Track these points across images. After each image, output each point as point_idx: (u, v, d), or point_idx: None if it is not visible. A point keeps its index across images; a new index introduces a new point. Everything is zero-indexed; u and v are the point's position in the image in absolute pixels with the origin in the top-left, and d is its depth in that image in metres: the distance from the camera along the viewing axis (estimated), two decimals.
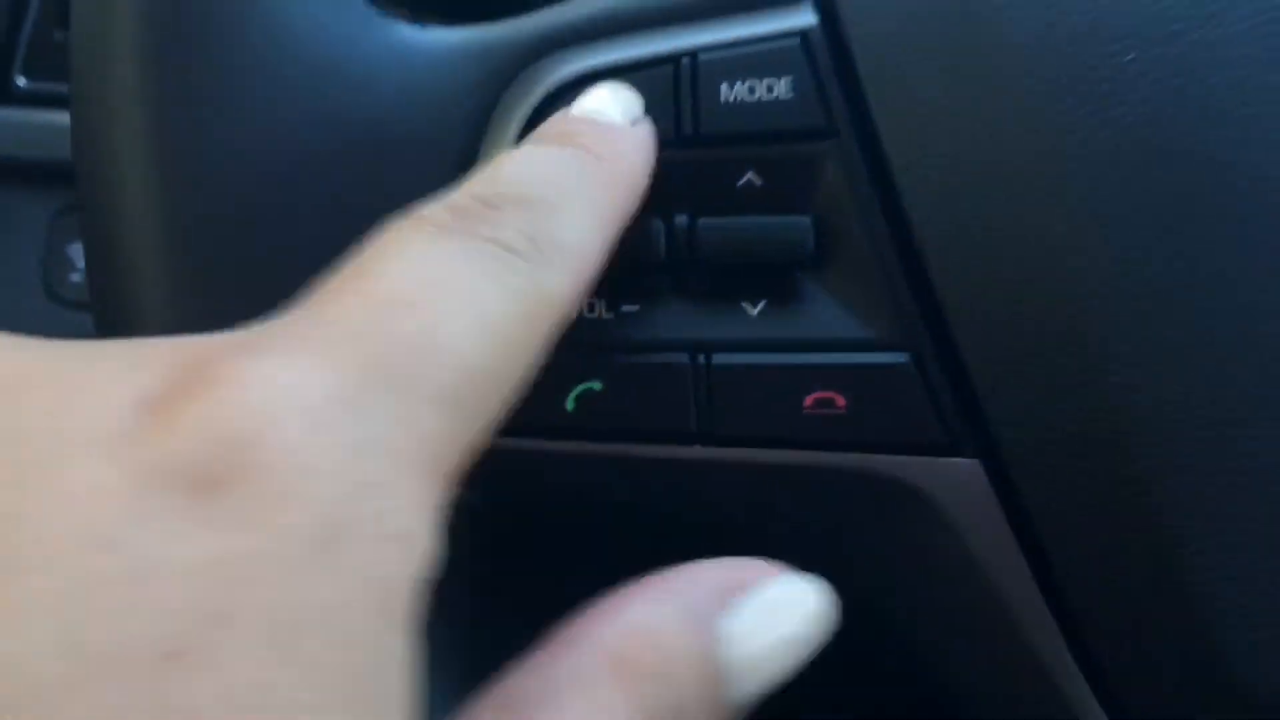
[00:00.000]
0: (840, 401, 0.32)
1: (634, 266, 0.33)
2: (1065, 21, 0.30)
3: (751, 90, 0.32)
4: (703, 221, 0.33)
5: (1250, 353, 0.30)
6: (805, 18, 0.33)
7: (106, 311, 0.35)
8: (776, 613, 0.26)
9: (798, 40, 0.32)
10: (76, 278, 0.62)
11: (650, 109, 0.33)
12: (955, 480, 0.32)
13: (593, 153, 0.30)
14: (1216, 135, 0.29)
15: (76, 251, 0.62)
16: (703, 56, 0.33)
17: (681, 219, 0.33)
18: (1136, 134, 0.29)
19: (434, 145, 0.34)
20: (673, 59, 0.33)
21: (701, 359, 0.33)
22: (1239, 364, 0.30)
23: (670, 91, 0.33)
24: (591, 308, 0.34)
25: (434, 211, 0.26)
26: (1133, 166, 0.30)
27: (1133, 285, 0.30)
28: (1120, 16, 0.30)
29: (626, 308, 0.34)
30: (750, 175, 0.33)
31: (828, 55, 0.32)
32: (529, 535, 0.39)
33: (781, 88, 0.32)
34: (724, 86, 0.32)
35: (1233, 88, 0.29)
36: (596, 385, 0.33)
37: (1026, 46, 0.30)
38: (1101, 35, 0.30)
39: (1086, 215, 0.30)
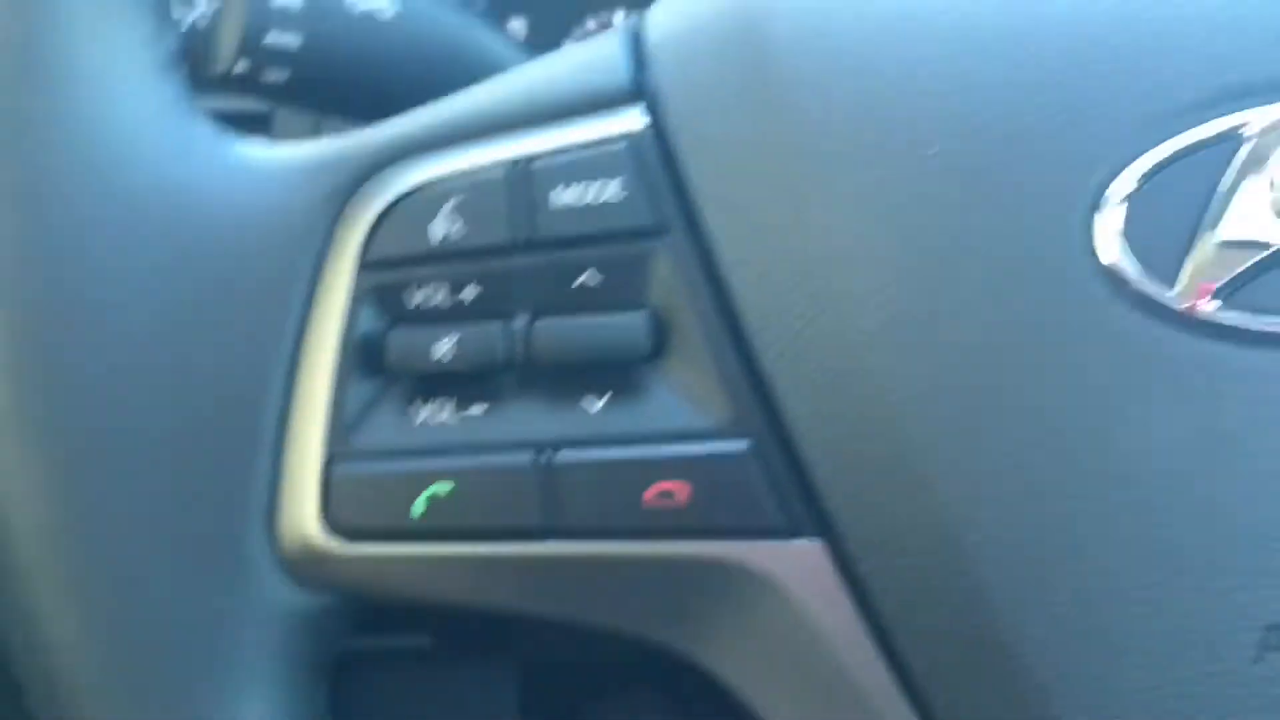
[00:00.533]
0: (682, 491, 0.33)
1: (478, 370, 0.34)
2: (876, 117, 0.32)
3: (584, 194, 0.34)
4: (540, 323, 0.34)
5: (1059, 441, 0.31)
6: (634, 121, 0.34)
7: None
8: None
9: (627, 143, 0.34)
10: None
11: (487, 216, 0.34)
12: (799, 562, 0.33)
13: None
14: (1022, 228, 0.31)
15: None
16: (536, 163, 0.34)
17: (520, 321, 0.34)
18: (945, 229, 0.32)
19: (281, 264, 0.34)
20: (507, 166, 0.34)
21: (545, 457, 0.33)
22: (1052, 455, 0.31)
23: (506, 198, 0.34)
24: (439, 410, 0.34)
25: None
26: (945, 263, 0.32)
27: (948, 376, 0.32)
28: (927, 113, 0.32)
29: (473, 410, 0.34)
30: (587, 275, 0.34)
31: (657, 156, 0.34)
32: (387, 637, 0.38)
33: (613, 189, 0.34)
34: (557, 191, 0.34)
35: (1036, 180, 0.32)
36: (444, 488, 0.34)
37: (841, 147, 0.32)
38: (910, 132, 0.32)
39: (903, 307, 0.32)
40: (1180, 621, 0.31)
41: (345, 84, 0.50)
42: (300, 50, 0.49)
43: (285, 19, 0.48)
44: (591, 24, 0.86)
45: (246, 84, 0.49)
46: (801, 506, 0.33)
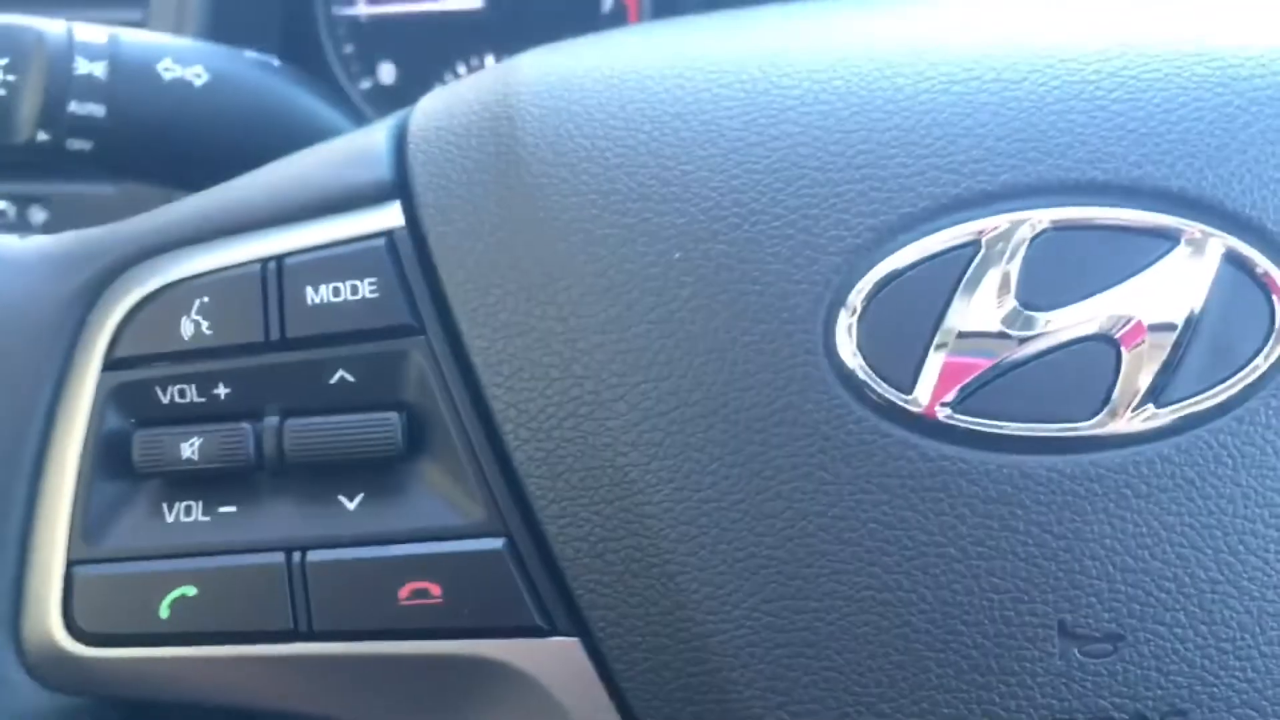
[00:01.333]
0: (436, 590, 0.33)
1: (228, 470, 0.33)
2: (621, 221, 0.33)
3: (337, 291, 0.34)
4: (291, 422, 0.33)
5: (802, 539, 0.32)
6: (391, 219, 0.34)
7: None
8: None
9: (383, 241, 0.34)
10: None
11: (238, 314, 0.33)
12: (556, 659, 0.33)
13: None
14: (764, 331, 0.32)
15: None
16: (288, 260, 0.34)
17: (272, 420, 0.33)
18: (690, 330, 0.32)
19: (28, 360, 0.34)
20: (261, 263, 0.34)
21: (297, 558, 0.33)
22: (796, 552, 0.32)
23: (258, 296, 0.34)
24: (188, 511, 0.34)
25: None
26: (691, 363, 0.32)
27: (694, 475, 0.32)
28: (670, 216, 0.33)
29: (223, 510, 0.34)
30: (341, 373, 0.34)
31: (412, 253, 0.34)
32: None
33: (366, 288, 0.34)
34: (310, 289, 0.33)
35: (775, 284, 0.32)
36: (191, 590, 0.33)
37: (588, 249, 0.33)
38: (655, 235, 0.32)
39: (649, 406, 0.32)
40: (918, 718, 0.32)
41: (154, 152, 0.50)
42: (106, 119, 0.48)
43: (89, 88, 0.48)
44: (461, 69, 0.86)
45: (49, 153, 0.48)
46: (556, 604, 0.33)
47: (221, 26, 0.74)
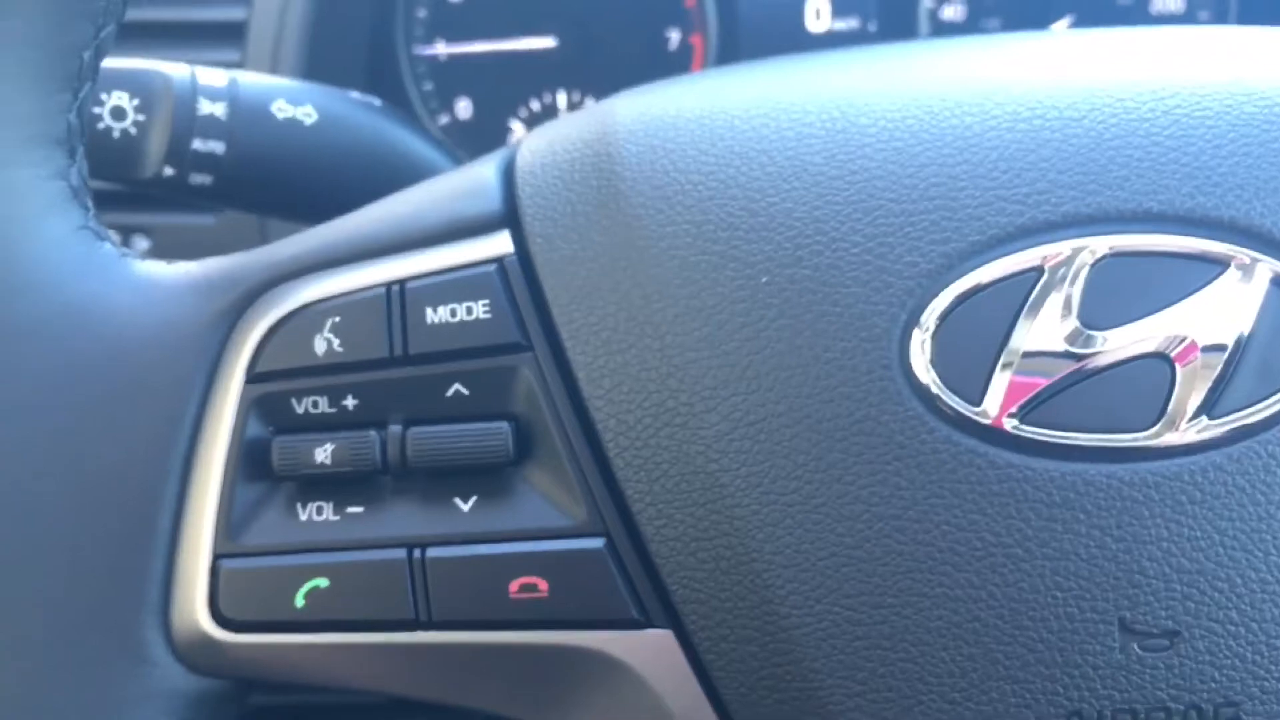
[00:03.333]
0: (543, 585, 0.36)
1: (356, 473, 0.37)
2: (713, 247, 0.36)
3: (454, 312, 0.37)
4: (413, 430, 0.37)
5: (881, 539, 0.34)
6: (501, 246, 0.38)
7: None
8: None
9: (494, 267, 0.37)
10: None
11: (366, 333, 0.37)
12: (651, 650, 0.36)
13: None
14: (843, 347, 0.35)
15: None
16: (410, 284, 0.37)
17: (395, 429, 0.37)
18: (776, 347, 0.35)
19: (176, 376, 0.37)
20: (385, 287, 0.37)
21: (417, 554, 0.36)
22: (875, 551, 0.34)
23: (383, 316, 0.37)
24: (319, 510, 0.37)
25: None
26: (777, 377, 0.35)
27: (781, 480, 0.35)
28: (758, 243, 0.36)
29: (351, 510, 0.37)
30: (457, 386, 0.37)
31: (521, 278, 0.37)
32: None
33: (480, 309, 0.37)
34: (429, 310, 0.37)
35: (854, 306, 0.35)
36: (324, 582, 0.36)
37: (682, 273, 0.36)
38: (744, 260, 0.36)
39: (739, 417, 0.35)
40: (990, 706, 0.34)
41: (268, 186, 0.54)
42: (225, 155, 0.52)
43: (211, 127, 0.52)
44: (535, 105, 0.90)
45: (173, 186, 0.52)
46: (652, 599, 0.36)
47: (314, 66, 0.78)
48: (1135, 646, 0.34)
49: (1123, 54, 0.39)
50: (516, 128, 0.90)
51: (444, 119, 0.91)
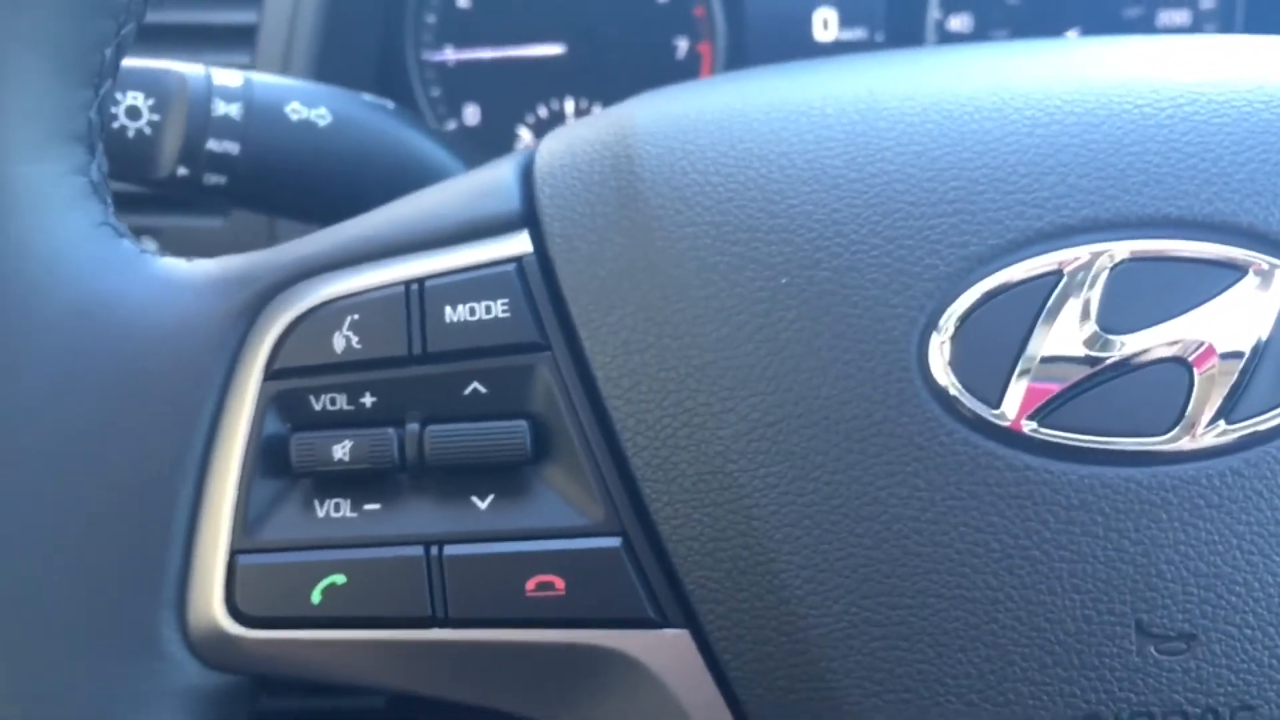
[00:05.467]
0: (559, 584, 0.36)
1: (374, 470, 0.37)
2: (733, 249, 0.36)
3: (472, 311, 0.37)
4: (431, 428, 0.37)
5: (898, 540, 0.35)
6: (520, 246, 0.38)
7: None
8: None
9: (513, 266, 0.37)
10: None
11: (384, 331, 0.37)
12: (668, 649, 0.36)
13: None
14: (862, 349, 0.35)
15: None
16: (429, 283, 0.37)
17: (413, 427, 0.37)
18: (795, 349, 0.35)
19: (194, 372, 0.37)
20: (404, 285, 0.37)
21: (434, 551, 0.36)
22: (892, 552, 0.35)
23: (402, 314, 0.37)
24: (337, 507, 0.37)
25: None
26: (796, 379, 0.35)
27: (798, 481, 0.35)
28: (778, 245, 0.36)
29: (368, 507, 0.37)
30: (475, 385, 0.37)
31: (540, 278, 0.37)
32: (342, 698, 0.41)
33: (499, 308, 0.37)
34: (448, 308, 0.37)
35: (872, 309, 0.35)
36: (341, 579, 0.37)
37: (701, 274, 0.36)
38: (763, 262, 0.36)
39: (758, 418, 0.35)
40: (1007, 707, 0.34)
41: (282, 186, 0.54)
42: (239, 156, 0.52)
43: (226, 127, 0.52)
44: (542, 112, 0.90)
45: (187, 186, 0.53)
46: (669, 598, 0.36)
47: (324, 70, 0.78)
48: (1152, 649, 0.34)
49: (1141, 60, 0.39)
50: (524, 134, 0.90)
51: (452, 124, 0.91)
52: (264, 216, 0.78)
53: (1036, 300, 0.35)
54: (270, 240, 0.80)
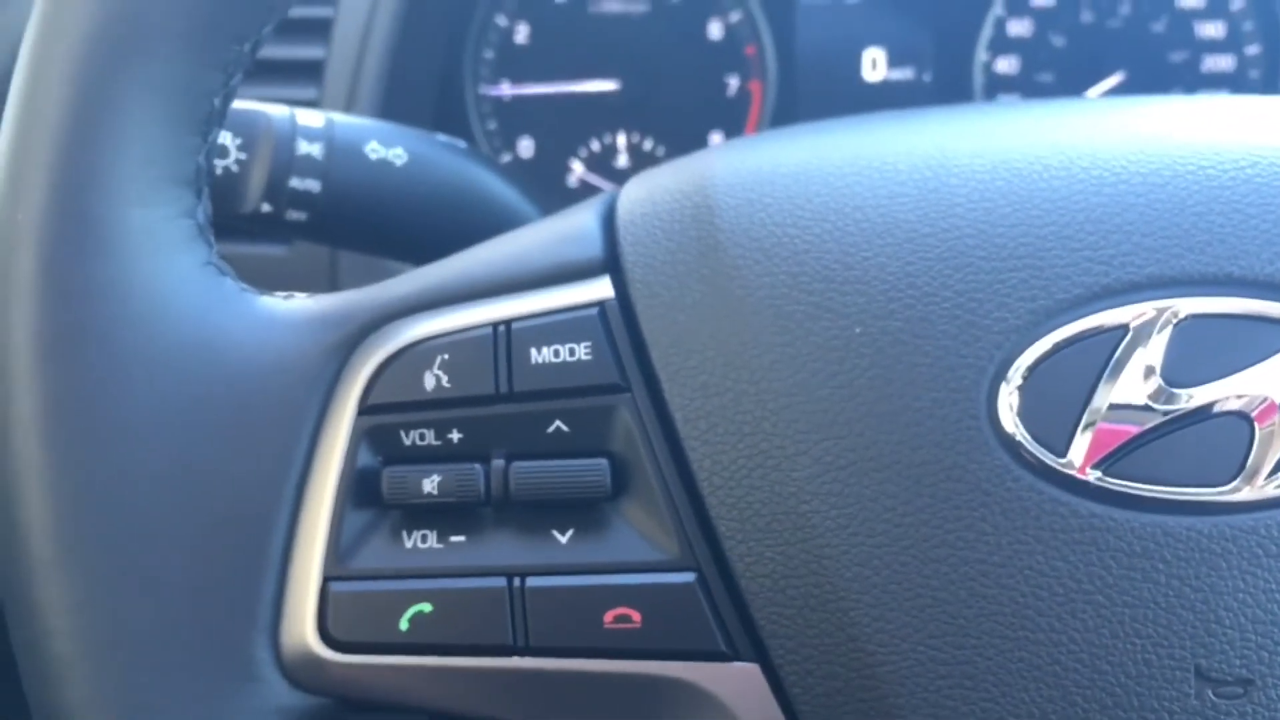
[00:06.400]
0: (636, 616, 0.38)
1: (460, 504, 0.38)
2: (809, 298, 0.37)
3: (557, 353, 0.39)
4: (515, 464, 0.38)
5: (966, 582, 0.36)
6: (602, 290, 0.40)
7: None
8: None
9: (596, 310, 0.39)
10: None
11: (473, 370, 0.39)
12: (739, 682, 0.38)
13: None
14: (933, 398, 0.36)
15: None
16: (515, 325, 0.39)
17: (499, 463, 0.39)
18: (868, 395, 0.36)
19: (291, 406, 0.39)
20: (491, 326, 0.39)
21: (517, 583, 0.38)
22: (960, 594, 0.36)
23: (490, 354, 0.39)
24: (424, 539, 0.39)
25: None
26: (868, 424, 0.36)
27: (869, 522, 0.36)
28: (853, 295, 0.37)
29: (454, 539, 0.39)
30: (558, 424, 0.39)
31: (621, 323, 0.39)
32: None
33: (582, 350, 0.39)
34: (534, 350, 0.39)
35: (944, 358, 0.37)
36: (427, 607, 0.38)
37: (778, 321, 0.37)
38: (838, 311, 0.37)
39: (830, 461, 0.36)
40: None
41: (360, 223, 0.56)
42: (321, 194, 0.54)
43: (308, 166, 0.54)
44: (595, 146, 0.92)
45: (270, 223, 0.55)
46: (740, 633, 0.38)
47: (388, 105, 0.81)
48: (1210, 693, 0.35)
49: (1202, 121, 0.40)
50: (576, 167, 0.92)
51: (506, 157, 0.93)
52: (325, 247, 0.80)
53: (1103, 354, 0.36)
54: (331, 269, 0.82)
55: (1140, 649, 0.35)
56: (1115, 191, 0.37)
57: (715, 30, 0.92)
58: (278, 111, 0.54)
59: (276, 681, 0.39)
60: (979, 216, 0.37)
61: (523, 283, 0.40)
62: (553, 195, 0.83)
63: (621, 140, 0.92)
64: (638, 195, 0.41)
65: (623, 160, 0.92)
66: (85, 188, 0.37)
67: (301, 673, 0.39)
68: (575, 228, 0.41)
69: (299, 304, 0.40)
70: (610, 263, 0.40)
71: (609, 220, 0.41)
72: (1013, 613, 0.36)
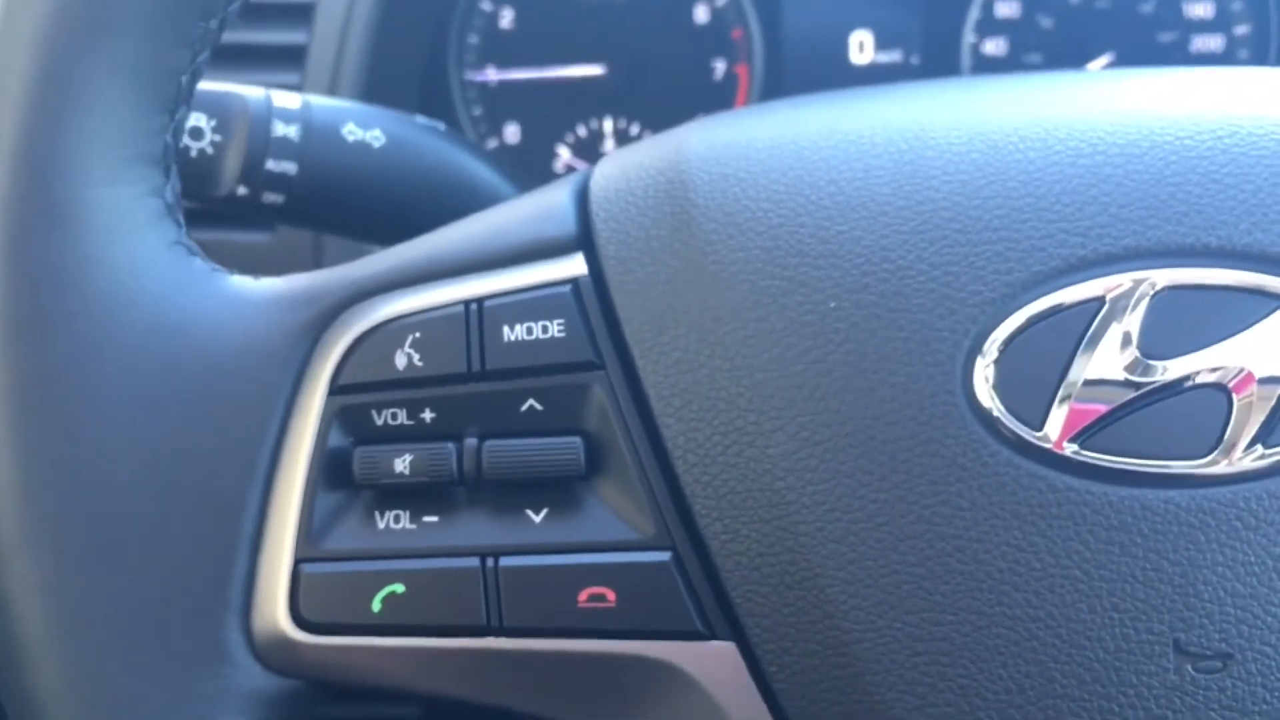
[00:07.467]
0: (610, 596, 0.37)
1: (433, 484, 0.38)
2: (782, 272, 0.37)
3: (529, 330, 0.38)
4: (488, 443, 0.38)
5: (941, 558, 0.36)
6: (575, 267, 0.39)
7: None
8: None
9: (569, 288, 0.39)
10: None
11: (445, 349, 0.38)
12: (715, 661, 0.38)
13: None
14: (909, 372, 0.36)
15: None
16: (488, 303, 0.39)
17: (471, 442, 0.38)
18: (842, 370, 0.36)
19: (262, 386, 0.39)
20: (463, 305, 0.39)
21: (490, 563, 0.38)
22: (935, 569, 0.36)
23: (462, 333, 0.39)
24: (397, 519, 0.39)
25: None
26: (843, 400, 0.36)
27: (844, 498, 0.36)
28: (826, 269, 0.37)
29: (427, 519, 0.38)
30: (531, 402, 0.38)
31: (595, 300, 0.39)
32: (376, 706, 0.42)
33: (555, 328, 0.38)
34: (506, 328, 0.38)
35: (919, 332, 0.36)
36: (400, 588, 0.38)
37: (752, 296, 0.37)
38: (812, 285, 0.37)
39: (806, 437, 0.36)
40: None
41: (337, 206, 0.55)
42: (297, 176, 0.54)
43: (284, 148, 0.53)
44: (581, 131, 0.92)
45: (246, 205, 0.54)
46: (716, 611, 0.37)
47: (371, 89, 0.80)
48: (1189, 668, 0.35)
49: (1180, 92, 0.40)
50: (563, 152, 0.92)
51: (492, 142, 0.93)
52: (308, 232, 0.80)
53: (1079, 326, 0.36)
54: (315, 255, 0.82)
55: (1118, 623, 0.35)
56: (1091, 163, 0.37)
57: (702, 14, 0.91)
58: (253, 93, 0.54)
59: (248, 663, 0.38)
60: (954, 189, 0.37)
61: (495, 260, 0.40)
62: (539, 181, 0.82)
63: (608, 125, 0.91)
64: (611, 172, 0.41)
65: (609, 145, 0.92)
66: (50, 167, 0.37)
67: (273, 655, 0.39)
68: (548, 205, 0.41)
69: (269, 284, 0.40)
70: (583, 240, 0.40)
71: (582, 197, 0.41)
72: (990, 588, 0.35)
